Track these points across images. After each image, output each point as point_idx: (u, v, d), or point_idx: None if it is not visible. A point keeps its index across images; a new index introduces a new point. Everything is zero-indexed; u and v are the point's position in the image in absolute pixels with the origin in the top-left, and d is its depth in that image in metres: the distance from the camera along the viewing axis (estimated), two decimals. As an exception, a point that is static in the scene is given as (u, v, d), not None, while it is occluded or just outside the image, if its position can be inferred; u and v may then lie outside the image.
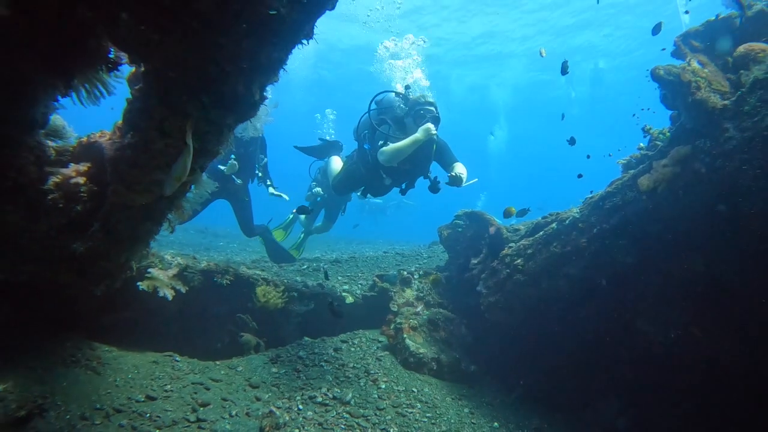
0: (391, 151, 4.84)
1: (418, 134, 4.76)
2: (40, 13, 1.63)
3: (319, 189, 9.23)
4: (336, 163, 6.74)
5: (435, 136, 4.89)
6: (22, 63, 1.83)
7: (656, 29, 4.40)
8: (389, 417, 3.99)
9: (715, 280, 4.04)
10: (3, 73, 1.83)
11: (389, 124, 5.12)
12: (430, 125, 4.77)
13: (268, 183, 7.63)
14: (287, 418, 3.69)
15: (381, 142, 4.96)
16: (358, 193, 6.23)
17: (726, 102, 3.65)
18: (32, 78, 1.94)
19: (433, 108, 5.01)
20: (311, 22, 2.31)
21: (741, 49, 4.01)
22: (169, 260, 4.54)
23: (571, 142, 5.79)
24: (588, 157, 5.79)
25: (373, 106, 5.41)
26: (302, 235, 9.82)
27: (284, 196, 7.83)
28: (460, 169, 4.99)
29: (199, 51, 2.10)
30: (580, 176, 5.86)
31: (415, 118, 4.98)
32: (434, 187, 5.05)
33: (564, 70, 5.05)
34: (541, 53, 5.56)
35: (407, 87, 5.38)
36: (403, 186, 5.49)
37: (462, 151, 5.42)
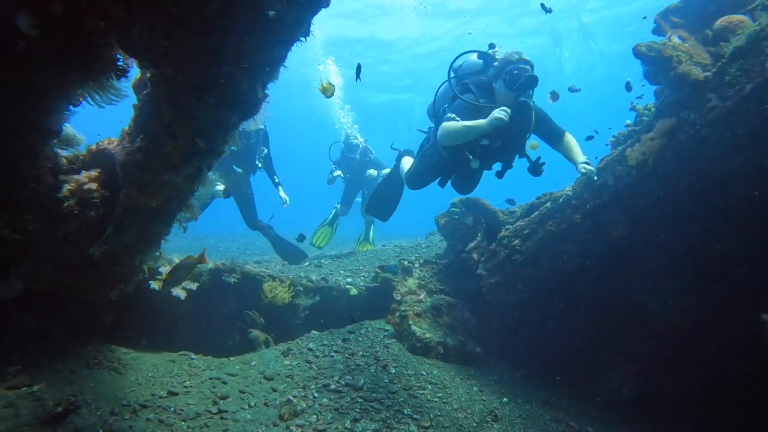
0: (448, 130, 3.98)
1: (483, 122, 3.85)
2: (59, 28, 1.72)
3: (339, 172, 9.28)
4: (407, 161, 5.75)
5: (505, 118, 3.85)
6: (43, 75, 1.93)
7: (628, 87, 4.54)
8: (402, 399, 4.12)
9: (706, 248, 4.20)
10: (26, 86, 1.92)
11: (473, 92, 4.21)
12: (501, 115, 3.80)
13: (276, 180, 7.73)
14: (304, 405, 3.82)
15: (450, 114, 4.06)
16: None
17: (707, 74, 3.79)
18: (51, 88, 2.04)
19: (528, 66, 4.06)
20: (308, 20, 2.42)
21: (720, 21, 4.15)
22: (177, 262, 4.63)
23: (573, 89, 5.82)
24: (593, 134, 5.80)
25: (455, 67, 4.54)
26: (367, 227, 9.80)
27: (286, 199, 7.91)
28: (576, 147, 4.21)
29: (204, 54, 2.20)
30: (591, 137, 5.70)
31: (508, 80, 4.00)
32: (536, 170, 4.11)
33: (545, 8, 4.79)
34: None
35: (491, 45, 4.52)
36: (499, 168, 4.55)
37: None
